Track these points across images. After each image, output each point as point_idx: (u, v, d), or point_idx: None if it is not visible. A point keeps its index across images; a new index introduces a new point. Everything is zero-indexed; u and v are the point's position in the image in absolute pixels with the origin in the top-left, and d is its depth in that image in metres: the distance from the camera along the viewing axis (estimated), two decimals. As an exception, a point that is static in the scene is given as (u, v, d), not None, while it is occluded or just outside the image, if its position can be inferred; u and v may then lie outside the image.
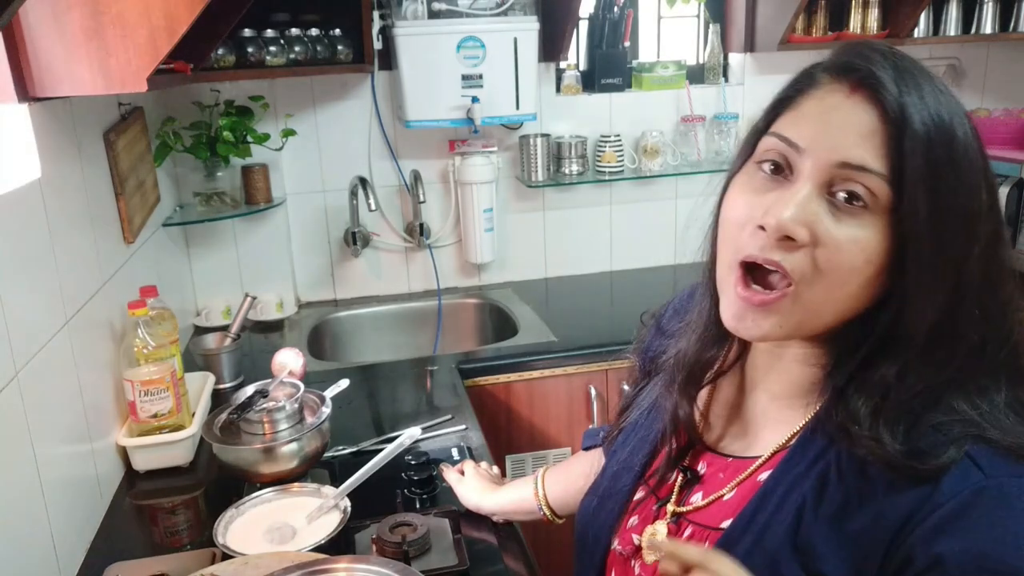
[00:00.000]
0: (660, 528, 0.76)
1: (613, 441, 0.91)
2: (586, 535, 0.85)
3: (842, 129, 0.61)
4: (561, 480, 1.11)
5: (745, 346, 0.78)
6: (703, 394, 0.80)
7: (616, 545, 0.81)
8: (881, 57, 0.62)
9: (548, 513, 1.11)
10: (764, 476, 0.70)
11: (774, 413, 0.73)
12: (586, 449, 1.08)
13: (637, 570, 0.78)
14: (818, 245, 0.61)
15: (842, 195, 0.61)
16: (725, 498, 0.73)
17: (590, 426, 1.77)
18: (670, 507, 0.77)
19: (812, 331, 0.66)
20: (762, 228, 0.63)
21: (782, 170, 0.65)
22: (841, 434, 0.65)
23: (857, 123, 0.61)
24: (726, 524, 0.70)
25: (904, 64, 0.62)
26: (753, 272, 0.65)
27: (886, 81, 0.60)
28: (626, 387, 0.94)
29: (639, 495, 0.82)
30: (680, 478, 0.78)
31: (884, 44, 0.63)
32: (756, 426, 0.75)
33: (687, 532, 0.74)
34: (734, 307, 0.66)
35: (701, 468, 0.77)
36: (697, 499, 0.75)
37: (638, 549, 0.78)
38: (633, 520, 0.81)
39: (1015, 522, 0.57)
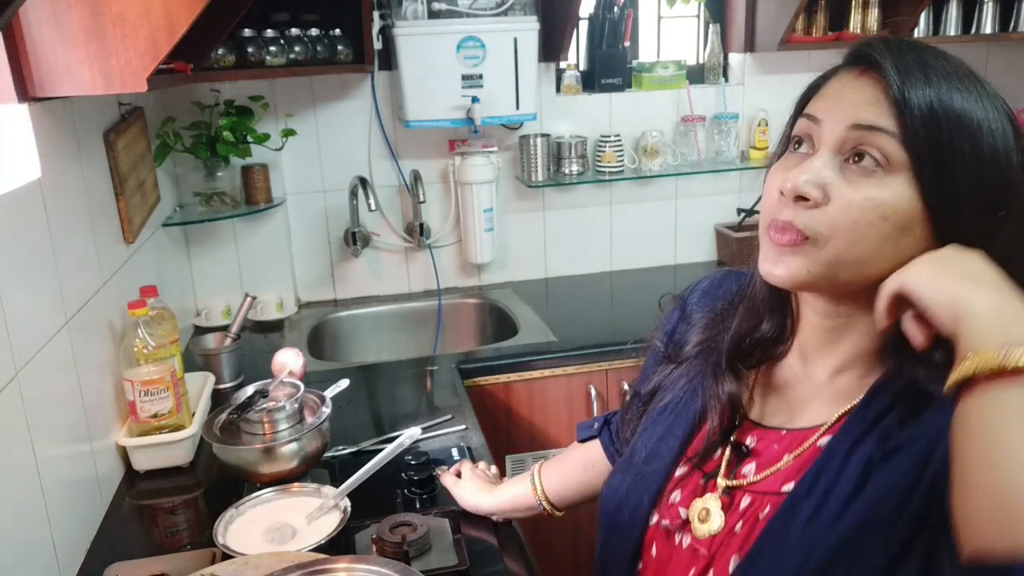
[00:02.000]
0: (711, 501, 0.78)
1: (636, 424, 0.91)
2: (621, 511, 0.86)
3: (852, 99, 0.69)
4: (558, 473, 1.12)
5: (797, 324, 0.80)
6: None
7: (662, 520, 0.82)
8: (884, 44, 0.69)
9: (548, 507, 1.12)
10: (824, 441, 0.72)
11: (831, 386, 0.76)
12: (582, 441, 1.10)
13: (687, 542, 0.78)
14: (831, 203, 0.67)
15: (857, 159, 0.67)
16: (783, 467, 0.75)
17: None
18: (721, 480, 0.78)
19: (847, 282, 0.70)
20: (782, 194, 0.70)
21: (809, 145, 0.72)
22: (914, 366, 0.67)
23: (865, 94, 0.68)
24: (788, 488, 0.72)
25: (906, 46, 0.69)
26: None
27: (886, 62, 0.67)
28: (626, 386, 0.94)
29: (680, 471, 0.83)
30: (728, 452, 0.80)
31: (896, 37, 0.70)
32: (807, 399, 0.78)
33: (745, 501, 0.75)
34: (769, 255, 0.72)
35: (750, 442, 0.79)
36: (750, 471, 0.77)
37: (685, 522, 0.79)
38: (675, 495, 0.81)
39: None
